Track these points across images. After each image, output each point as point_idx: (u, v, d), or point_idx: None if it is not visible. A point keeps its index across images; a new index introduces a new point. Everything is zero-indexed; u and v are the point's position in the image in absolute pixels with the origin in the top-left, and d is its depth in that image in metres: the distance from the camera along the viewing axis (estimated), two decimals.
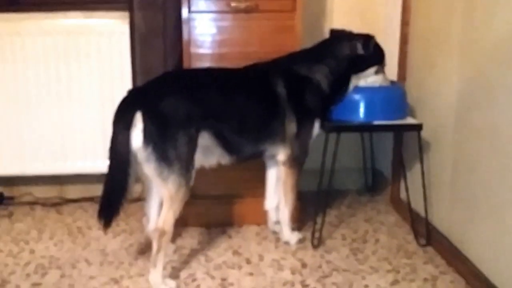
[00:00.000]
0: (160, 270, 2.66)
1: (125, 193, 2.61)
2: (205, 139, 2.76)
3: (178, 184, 2.62)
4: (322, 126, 3.09)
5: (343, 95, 3.13)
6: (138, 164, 2.61)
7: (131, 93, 2.71)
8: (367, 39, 3.07)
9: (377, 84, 3.16)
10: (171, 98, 2.67)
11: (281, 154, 3.03)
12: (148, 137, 2.56)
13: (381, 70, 3.17)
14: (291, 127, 2.98)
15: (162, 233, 2.63)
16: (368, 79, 3.15)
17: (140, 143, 2.56)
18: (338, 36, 3.23)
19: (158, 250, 2.64)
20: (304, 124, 3.01)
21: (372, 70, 3.13)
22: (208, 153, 2.84)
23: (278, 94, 2.94)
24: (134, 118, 2.55)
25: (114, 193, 2.63)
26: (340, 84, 3.10)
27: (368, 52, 3.06)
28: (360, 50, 3.05)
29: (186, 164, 2.65)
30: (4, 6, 3.55)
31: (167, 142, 2.59)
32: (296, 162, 3.06)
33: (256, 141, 2.97)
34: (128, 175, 2.60)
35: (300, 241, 3.18)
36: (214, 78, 2.95)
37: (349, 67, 3.08)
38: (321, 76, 3.04)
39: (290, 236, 3.19)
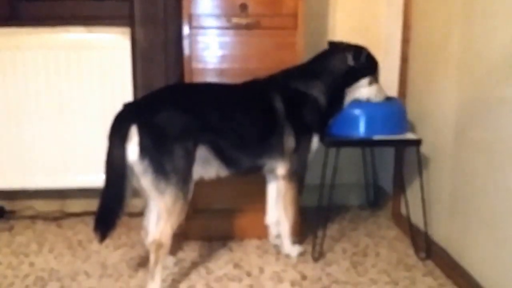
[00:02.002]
0: (158, 282, 2.66)
1: (122, 206, 2.62)
2: (203, 152, 2.77)
3: (175, 196, 2.63)
4: (321, 141, 3.10)
5: (340, 108, 3.14)
6: (135, 177, 2.62)
7: (126, 107, 2.72)
8: (358, 51, 3.09)
9: (372, 96, 3.16)
10: (167, 112, 2.68)
11: (280, 168, 3.03)
12: (144, 150, 2.57)
13: (374, 81, 3.16)
14: (290, 142, 2.98)
15: (159, 245, 2.64)
16: (362, 90, 3.14)
17: (136, 156, 2.57)
18: (332, 49, 3.23)
19: (156, 263, 2.64)
20: (302, 139, 3.02)
21: (365, 81, 3.13)
22: (207, 165, 2.85)
23: (276, 110, 2.96)
24: (129, 132, 2.57)
25: (110, 207, 2.64)
26: (336, 98, 3.12)
27: (360, 64, 3.07)
28: (350, 61, 3.05)
29: (183, 177, 2.66)
30: (6, 21, 3.59)
31: (164, 155, 2.60)
32: (295, 176, 3.06)
33: (254, 156, 2.98)
34: (124, 189, 2.61)
35: (301, 254, 3.18)
36: (212, 92, 2.97)
37: (344, 80, 3.10)
38: (317, 91, 3.06)
39: (291, 249, 3.19)
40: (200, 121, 2.75)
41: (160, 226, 2.67)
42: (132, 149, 2.57)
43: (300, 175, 3.10)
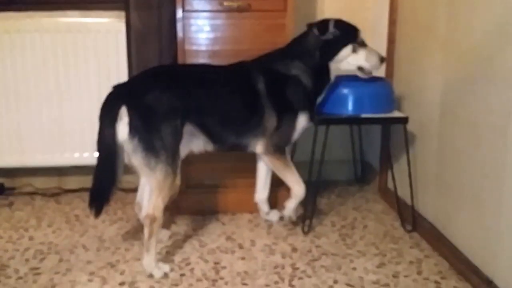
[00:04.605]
0: (153, 254, 2.74)
1: (114, 182, 2.74)
2: (190, 128, 2.86)
3: (165, 172, 2.71)
4: (311, 120, 3.12)
5: (326, 84, 3.15)
6: (127, 155, 2.73)
7: (116, 88, 2.80)
8: (323, 23, 3.05)
9: (362, 61, 3.10)
10: (155, 92, 2.74)
11: (259, 146, 3.06)
12: (133, 130, 2.66)
13: (358, 47, 3.09)
14: (271, 122, 3.01)
15: (152, 219, 2.72)
16: (349, 60, 3.10)
17: (126, 135, 2.66)
18: (307, 29, 3.20)
19: (150, 236, 2.73)
20: (285, 118, 3.03)
21: (347, 50, 3.07)
22: (194, 139, 2.93)
23: (258, 91, 2.99)
24: (119, 112, 2.66)
25: (103, 184, 2.75)
26: (320, 74, 3.11)
27: (331, 35, 3.03)
28: (317, 34, 3.03)
29: (172, 153, 2.74)
30: (4, 5, 3.66)
31: (153, 134, 2.68)
32: (275, 147, 3.06)
33: (237, 134, 3.02)
34: (115, 166, 2.72)
35: (294, 223, 3.30)
36: (199, 73, 3.02)
37: (322, 55, 3.07)
38: (298, 71, 3.07)
39: (291, 210, 3.20)
40: (186, 100, 2.82)
41: (152, 201, 2.75)
42: (123, 129, 2.66)
43: (280, 147, 3.08)
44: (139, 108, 2.68)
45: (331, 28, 3.03)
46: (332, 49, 3.07)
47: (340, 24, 3.06)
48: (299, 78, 3.06)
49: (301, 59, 3.07)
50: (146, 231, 2.74)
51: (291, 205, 3.15)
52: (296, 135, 3.11)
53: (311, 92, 3.11)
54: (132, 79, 2.96)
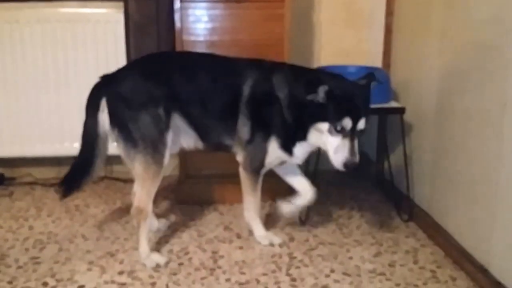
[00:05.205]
0: (144, 244, 2.78)
1: (89, 172, 2.81)
2: (177, 120, 2.84)
3: (144, 163, 2.70)
4: (283, 150, 2.84)
5: (302, 137, 2.77)
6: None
7: (101, 79, 2.81)
8: (314, 82, 2.60)
9: (330, 152, 2.62)
10: (132, 81, 2.75)
11: (239, 155, 2.93)
12: (113, 121, 2.70)
13: (335, 132, 2.58)
14: (244, 131, 2.84)
15: (139, 211, 2.75)
16: (323, 136, 2.64)
17: (108, 126, 2.72)
18: (313, 72, 3.07)
19: (138, 227, 2.77)
20: (257, 135, 2.83)
21: (323, 126, 2.61)
22: (184, 133, 2.91)
23: (241, 92, 2.81)
24: (100, 103, 2.71)
25: (78, 170, 2.82)
26: (299, 122, 2.73)
27: (315, 100, 2.57)
28: (302, 92, 2.63)
29: (153, 144, 2.70)
30: None
31: (129, 124, 2.68)
32: (250, 166, 2.92)
33: (218, 132, 2.90)
34: (94, 156, 2.78)
35: (276, 244, 3.01)
36: (189, 62, 2.93)
37: (305, 111, 2.67)
38: (285, 99, 2.76)
39: (260, 235, 3.06)
40: (169, 88, 2.77)
41: (138, 193, 2.78)
42: (105, 119, 2.72)
43: (254, 169, 2.92)
44: (116, 98, 2.71)
45: (321, 93, 2.56)
46: (312, 114, 2.65)
47: (334, 93, 2.57)
48: (282, 105, 2.77)
49: (293, 91, 2.74)
50: (134, 222, 2.81)
51: (256, 228, 3.06)
52: (269, 159, 2.89)
53: (288, 126, 2.78)
54: (119, 69, 2.92)
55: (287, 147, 2.84)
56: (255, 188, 2.97)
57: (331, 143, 2.59)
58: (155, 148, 2.70)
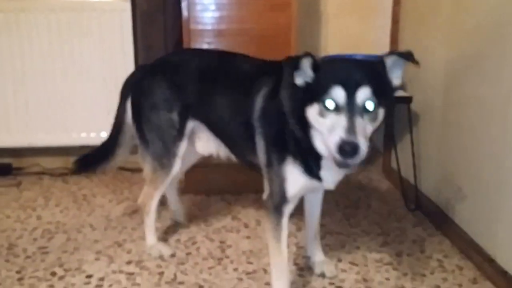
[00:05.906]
0: (150, 236, 2.81)
1: (109, 158, 2.83)
2: (201, 129, 2.65)
3: (152, 167, 2.68)
4: (310, 176, 2.19)
5: (304, 142, 2.09)
6: None
7: (137, 69, 2.84)
8: (291, 58, 2.05)
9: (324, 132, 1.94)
10: (150, 79, 2.63)
11: (265, 185, 2.35)
12: (133, 115, 2.70)
13: (326, 111, 1.93)
14: (260, 150, 2.31)
15: (142, 205, 2.81)
16: (320, 120, 1.95)
17: (130, 119, 2.73)
18: None
19: (144, 220, 2.82)
20: (273, 157, 2.23)
21: (313, 110, 1.97)
22: (213, 142, 2.69)
23: (253, 102, 2.31)
24: (129, 93, 2.72)
25: (99, 154, 2.85)
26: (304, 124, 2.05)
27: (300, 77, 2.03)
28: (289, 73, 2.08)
29: (163, 149, 2.62)
30: None
31: (143, 123, 2.64)
32: (271, 200, 2.28)
33: (241, 148, 2.53)
34: (117, 145, 2.81)
35: None
36: (214, 63, 2.57)
37: (298, 98, 2.08)
38: (286, 102, 2.16)
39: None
40: (183, 94, 2.56)
41: (144, 189, 2.80)
42: (130, 111, 2.72)
43: (278, 206, 2.25)
44: (136, 94, 2.69)
45: (304, 66, 2.01)
46: (301, 99, 2.05)
47: (318, 65, 2.01)
48: (285, 113, 2.17)
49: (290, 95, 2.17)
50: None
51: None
52: (291, 189, 2.22)
53: (300, 143, 2.13)
54: (156, 60, 2.75)
55: (311, 170, 2.19)
56: (279, 238, 2.29)
57: (321, 124, 1.94)
58: (164, 155, 2.63)
